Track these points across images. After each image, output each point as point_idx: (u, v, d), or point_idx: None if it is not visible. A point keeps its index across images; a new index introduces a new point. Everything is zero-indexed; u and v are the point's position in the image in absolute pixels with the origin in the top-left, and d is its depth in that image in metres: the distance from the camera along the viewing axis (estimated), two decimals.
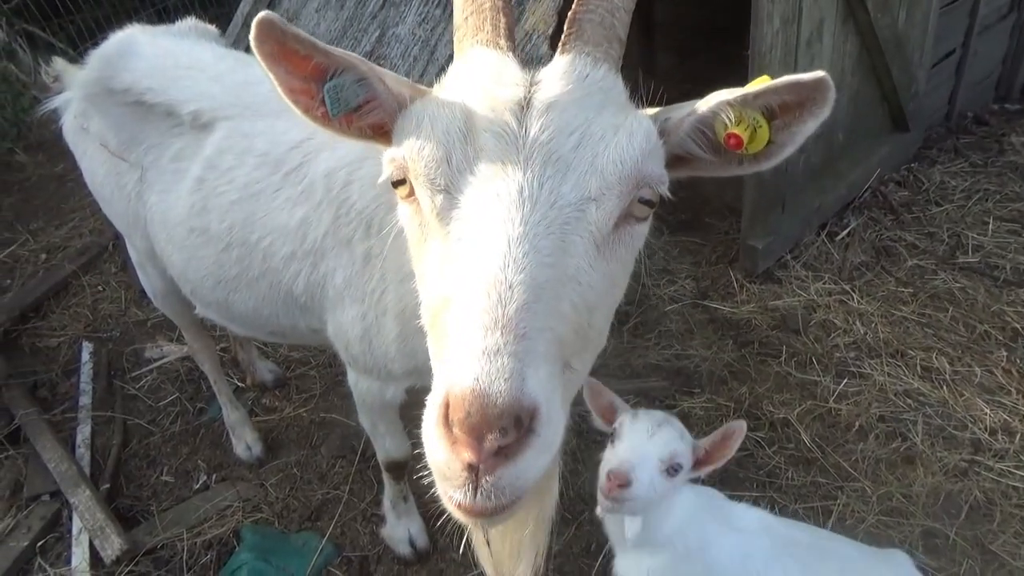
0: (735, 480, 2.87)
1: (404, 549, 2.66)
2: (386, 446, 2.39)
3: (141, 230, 2.33)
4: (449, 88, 1.17)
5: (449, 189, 1.09)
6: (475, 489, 0.94)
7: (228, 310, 2.19)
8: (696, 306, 3.79)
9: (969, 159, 4.69)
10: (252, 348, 3.36)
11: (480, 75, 1.15)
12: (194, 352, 3.02)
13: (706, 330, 3.64)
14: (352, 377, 2.18)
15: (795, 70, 3.51)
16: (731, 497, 2.73)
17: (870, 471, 2.88)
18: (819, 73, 1.10)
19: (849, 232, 4.12)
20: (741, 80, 1.31)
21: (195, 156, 2.08)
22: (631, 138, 1.10)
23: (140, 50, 2.26)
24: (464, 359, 0.94)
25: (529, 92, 1.11)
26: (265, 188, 1.95)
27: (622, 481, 1.69)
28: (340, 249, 1.88)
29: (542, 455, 0.96)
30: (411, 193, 1.16)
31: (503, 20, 1.19)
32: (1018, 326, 3.47)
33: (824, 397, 3.21)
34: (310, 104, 1.21)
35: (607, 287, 1.16)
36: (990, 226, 4.10)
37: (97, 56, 2.29)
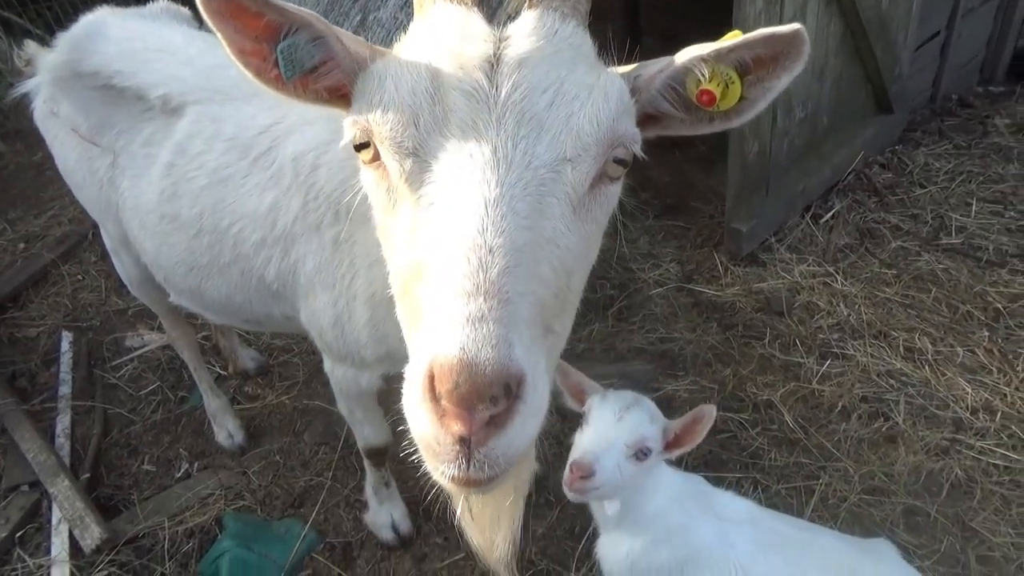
0: (718, 461, 2.87)
1: (387, 535, 2.65)
2: (365, 433, 2.38)
3: (113, 216, 2.29)
4: (411, 47, 1.12)
5: (418, 152, 1.05)
6: (468, 460, 0.92)
7: (201, 297, 2.17)
8: (681, 289, 3.78)
9: (953, 141, 4.69)
10: (234, 336, 3.34)
11: (444, 32, 1.10)
12: (173, 340, 2.99)
13: (690, 313, 3.63)
14: (328, 364, 2.17)
15: None
16: (715, 478, 2.74)
17: (852, 451, 2.89)
18: (795, 25, 1.08)
19: (833, 214, 4.12)
20: None
21: (165, 141, 2.04)
22: (607, 98, 1.08)
23: (109, 32, 2.21)
24: (447, 327, 0.91)
25: (498, 48, 1.07)
26: (234, 173, 1.92)
27: (584, 472, 1.68)
28: (310, 235, 1.85)
29: (531, 421, 0.94)
30: (375, 157, 1.11)
31: None
32: (1000, 306, 3.48)
33: (807, 378, 3.21)
34: (262, 66, 1.14)
35: (583, 249, 1.14)
36: (973, 207, 4.11)
37: (65, 39, 2.24)
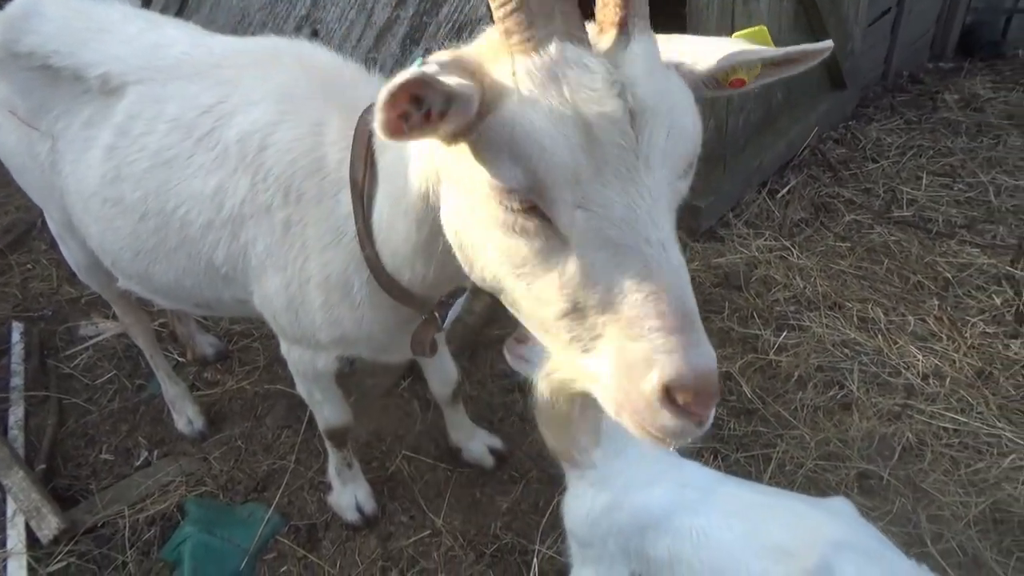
0: None
1: (351, 515, 2.65)
2: (325, 414, 2.37)
3: (57, 201, 2.23)
4: (534, 90, 1.06)
5: (583, 204, 1.06)
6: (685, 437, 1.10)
7: (150, 282, 2.13)
8: None
9: (904, 116, 4.79)
10: (191, 322, 3.29)
11: (571, 76, 1.06)
12: (127, 327, 2.93)
13: None
14: (284, 347, 2.15)
15: (732, 28, 3.53)
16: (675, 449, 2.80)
17: (808, 419, 2.96)
18: (828, 43, 1.22)
19: (789, 190, 4.19)
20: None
21: (105, 123, 1.99)
22: (696, 119, 1.15)
23: (46, 11, 2.14)
24: (679, 356, 1.05)
25: (626, 94, 1.06)
26: (178, 155, 1.88)
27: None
28: (259, 217, 1.83)
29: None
30: (530, 208, 1.10)
31: (570, 6, 1.09)
32: (949, 275, 3.58)
33: (765, 350, 3.27)
34: (397, 124, 1.05)
35: None
36: (923, 180, 4.21)
37: (0, 19, 2.17)
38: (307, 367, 2.13)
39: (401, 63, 3.38)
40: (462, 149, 1.15)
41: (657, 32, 1.19)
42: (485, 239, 1.20)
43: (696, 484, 1.93)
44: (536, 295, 1.17)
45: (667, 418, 1.06)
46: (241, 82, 1.88)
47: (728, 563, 1.80)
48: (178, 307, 2.37)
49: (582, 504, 1.97)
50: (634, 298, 1.07)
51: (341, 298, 1.85)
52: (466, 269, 1.32)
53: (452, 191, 1.27)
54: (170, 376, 3.01)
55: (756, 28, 1.28)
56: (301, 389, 2.30)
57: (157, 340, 3.38)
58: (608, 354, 1.12)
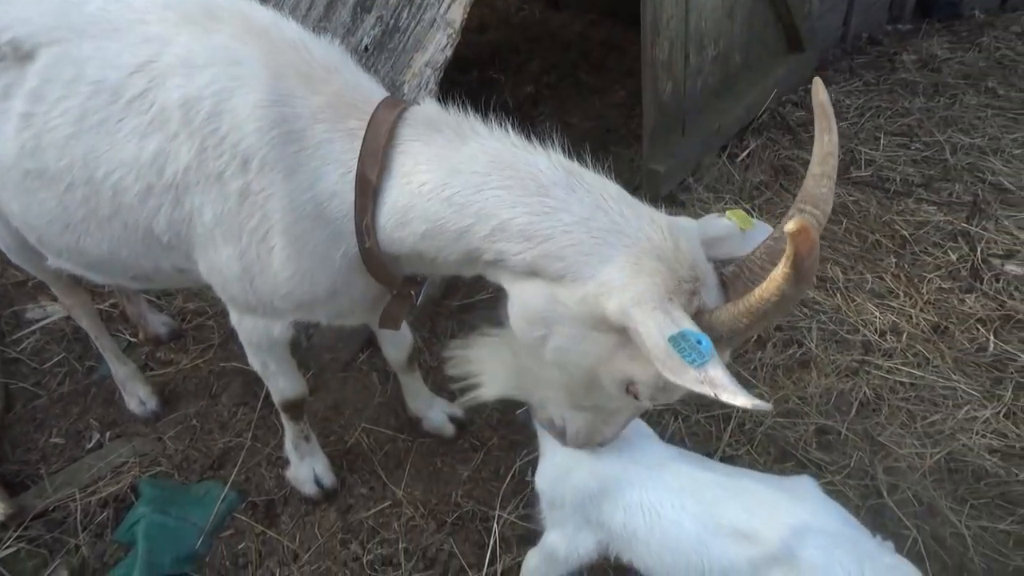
0: None
1: (310, 489, 2.61)
2: (280, 385, 2.32)
3: None
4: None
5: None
6: None
7: (82, 256, 2.04)
8: None
9: (863, 78, 4.79)
10: (141, 301, 3.20)
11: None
12: (69, 309, 2.84)
13: None
14: (235, 317, 2.09)
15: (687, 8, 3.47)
16: None
17: (768, 377, 2.96)
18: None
19: (749, 153, 4.18)
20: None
21: (18, 91, 1.87)
22: None
23: None
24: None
25: None
26: (106, 119, 1.79)
27: None
28: (207, 184, 1.76)
29: None
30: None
31: None
32: (906, 233, 3.60)
33: None
34: None
35: None
36: (881, 141, 4.22)
37: None
38: (261, 336, 2.07)
39: (352, 32, 3.29)
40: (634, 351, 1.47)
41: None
42: (590, 373, 1.62)
43: (645, 460, 1.90)
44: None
45: None
46: (174, 40, 1.79)
47: (684, 543, 1.78)
48: (113, 282, 2.29)
49: (547, 463, 1.97)
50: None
51: (315, 269, 1.80)
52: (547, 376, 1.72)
53: (583, 334, 1.56)
54: (118, 356, 2.93)
55: (739, 214, 1.66)
56: (254, 361, 2.25)
57: (107, 321, 3.32)
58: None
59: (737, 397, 1.28)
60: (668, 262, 1.47)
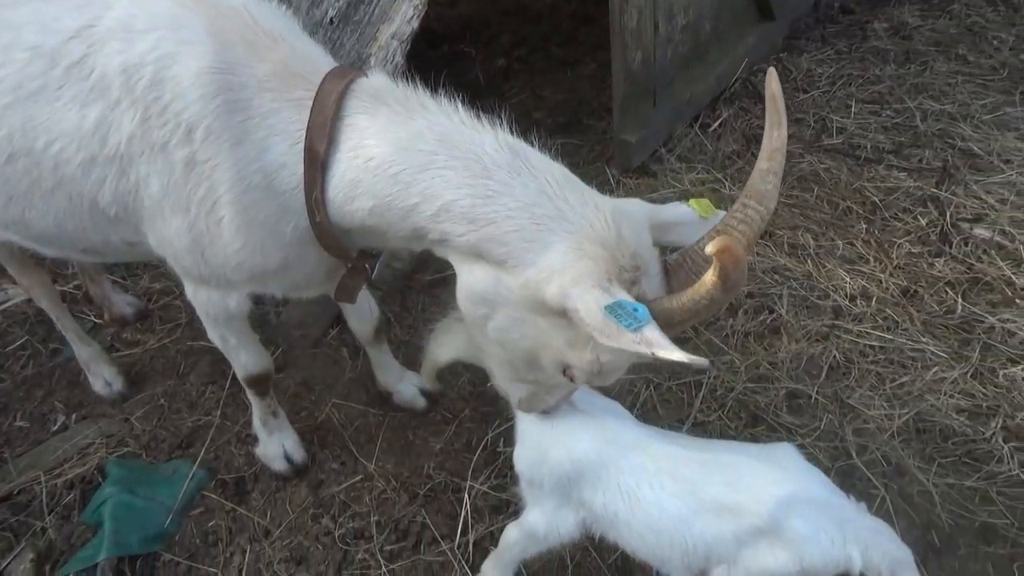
0: None
1: (280, 465, 2.59)
2: (242, 360, 2.28)
3: None
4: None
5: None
6: None
7: (28, 229, 1.98)
8: None
9: (835, 47, 4.78)
10: (104, 281, 3.14)
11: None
12: (26, 289, 2.78)
13: None
14: (190, 289, 2.05)
15: None
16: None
17: (739, 344, 2.97)
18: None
19: (721, 123, 4.16)
20: None
21: None
22: None
23: None
24: None
25: None
26: (44, 86, 1.73)
27: None
28: (152, 154, 1.71)
29: None
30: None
31: None
32: (876, 200, 3.61)
33: None
34: None
35: None
36: (853, 109, 4.22)
37: None
38: (217, 309, 2.04)
39: (316, 3, 3.22)
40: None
41: None
42: (531, 354, 1.65)
43: (621, 441, 1.88)
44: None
45: None
46: (114, 4, 1.74)
47: (666, 523, 1.78)
48: (64, 255, 2.23)
49: (525, 445, 1.95)
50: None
51: (266, 241, 1.78)
52: (484, 344, 1.74)
53: (524, 317, 1.59)
54: (81, 337, 2.87)
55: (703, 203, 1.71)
56: (213, 335, 2.21)
57: (71, 303, 3.27)
58: None
59: (674, 353, 1.32)
60: (610, 249, 1.49)
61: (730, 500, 1.72)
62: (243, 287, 1.95)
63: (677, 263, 1.59)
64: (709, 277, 1.31)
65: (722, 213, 1.72)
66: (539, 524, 1.97)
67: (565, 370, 1.62)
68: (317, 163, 1.62)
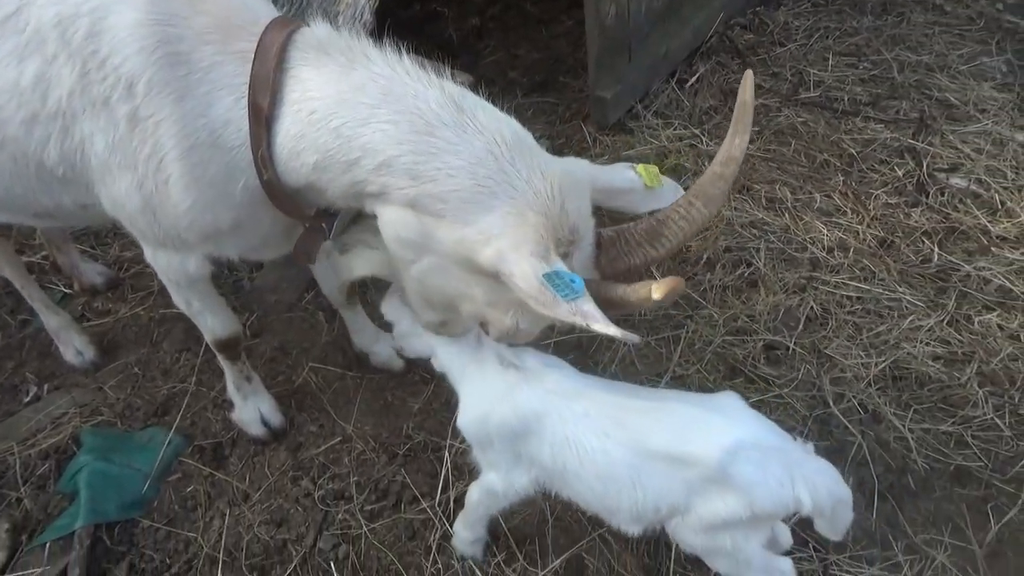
0: None
1: (257, 430, 2.57)
2: (208, 324, 2.24)
3: None
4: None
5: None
6: None
7: None
8: None
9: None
10: (72, 250, 3.07)
11: None
12: None
13: None
14: (148, 253, 2.00)
15: None
16: (587, 338, 2.77)
17: (717, 298, 2.96)
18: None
19: (698, 78, 4.11)
20: None
21: None
22: None
23: None
24: None
25: None
26: None
27: None
28: (95, 111, 1.66)
29: None
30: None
31: None
32: (854, 151, 3.60)
33: None
34: None
35: None
36: (830, 61, 4.18)
37: None
38: (177, 272, 1.99)
39: None
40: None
41: None
42: (450, 300, 1.66)
43: (562, 390, 1.87)
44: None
45: None
46: None
47: (615, 470, 1.77)
48: (17, 220, 2.16)
49: (466, 405, 1.93)
50: None
51: (216, 200, 1.73)
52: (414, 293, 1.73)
53: (451, 270, 1.57)
54: (48, 307, 2.82)
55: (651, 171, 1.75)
56: (177, 300, 2.17)
57: (40, 273, 3.21)
58: None
59: (609, 328, 1.33)
60: (552, 219, 1.47)
61: (677, 449, 1.71)
62: (199, 248, 1.90)
63: (611, 240, 1.58)
64: (650, 292, 1.35)
65: (669, 184, 1.74)
66: (496, 484, 1.97)
67: (481, 323, 1.63)
68: (262, 118, 1.58)
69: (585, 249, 1.54)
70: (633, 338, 1.33)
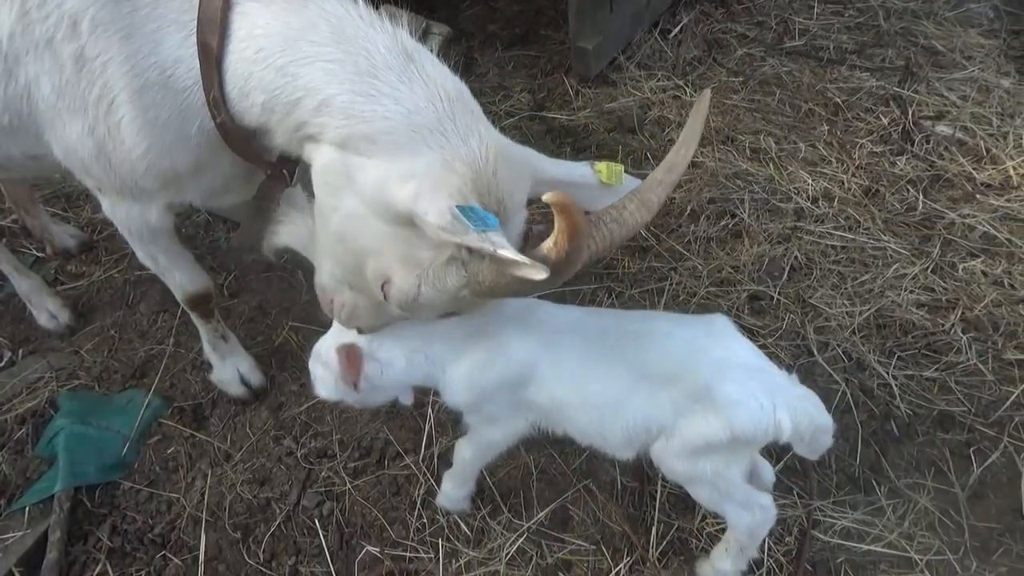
0: (573, 278, 2.85)
1: (237, 389, 2.53)
2: (177, 280, 2.18)
3: None
4: None
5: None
6: None
7: None
8: (533, 118, 3.65)
9: None
10: (40, 212, 2.99)
11: None
12: None
13: (543, 140, 3.52)
14: (107, 205, 1.93)
15: None
16: (570, 291, 2.74)
17: (701, 250, 2.93)
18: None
19: (681, 28, 4.03)
20: None
21: None
22: None
23: None
24: None
25: None
26: None
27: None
28: (39, 52, 1.58)
29: None
30: None
31: None
32: (839, 100, 3.55)
33: None
34: None
35: None
36: (815, 9, 4.12)
37: None
38: (139, 224, 1.93)
39: None
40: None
41: None
42: (360, 257, 1.56)
43: (553, 325, 1.84)
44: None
45: None
46: None
47: (612, 397, 1.76)
48: None
49: (455, 377, 1.85)
50: None
51: (173, 144, 1.67)
52: (328, 236, 1.60)
53: (367, 215, 1.48)
54: (18, 269, 2.75)
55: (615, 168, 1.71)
56: (143, 257, 2.10)
57: (10, 237, 3.13)
58: None
59: (518, 256, 1.27)
60: (482, 180, 1.41)
61: (665, 368, 1.71)
62: (160, 196, 1.84)
63: (539, 236, 1.49)
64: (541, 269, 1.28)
65: (630, 182, 1.65)
66: (495, 435, 1.96)
67: (383, 284, 1.54)
68: (212, 58, 1.51)
69: (511, 233, 1.47)
70: (541, 270, 1.26)
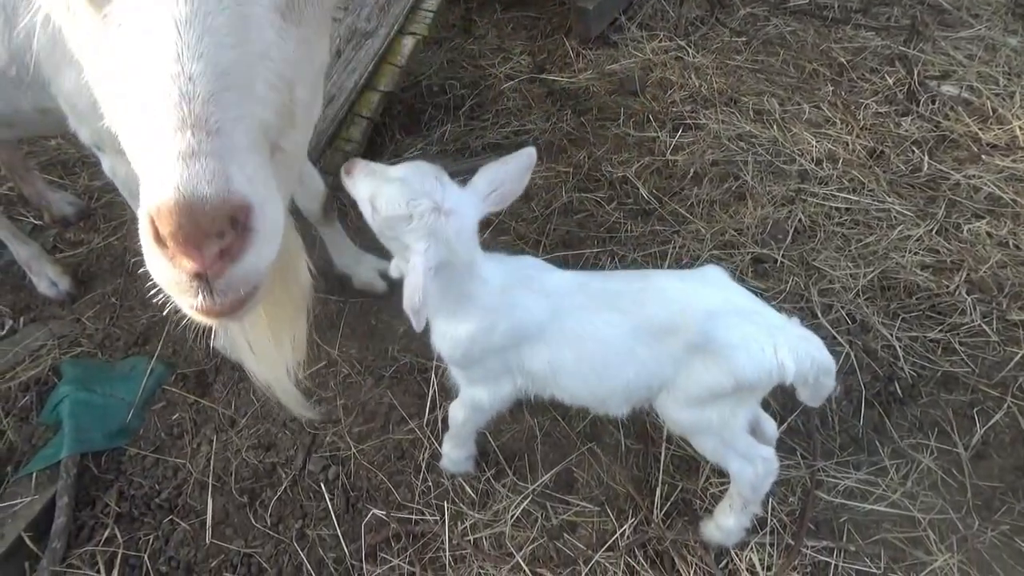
0: (576, 240, 2.84)
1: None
2: None
3: None
4: None
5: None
6: (210, 292, 0.96)
7: None
8: (533, 81, 3.60)
9: None
10: (36, 180, 2.96)
11: None
12: None
13: (544, 103, 3.48)
14: (107, 164, 1.89)
15: None
16: (573, 256, 2.73)
17: (704, 213, 2.91)
18: None
19: None
20: None
21: None
22: None
23: None
24: (160, 169, 0.88)
25: None
26: None
27: None
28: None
29: (266, 248, 0.97)
30: None
31: None
32: (844, 61, 3.50)
33: (661, 151, 3.17)
34: None
35: (304, 55, 1.05)
36: None
37: None
38: (138, 183, 1.89)
39: None
40: None
41: None
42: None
43: (559, 289, 1.82)
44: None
45: (156, 263, 0.95)
46: None
47: (613, 356, 1.76)
48: None
49: (450, 333, 1.84)
50: (140, 95, 0.93)
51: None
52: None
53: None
54: (16, 236, 2.72)
55: None
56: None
57: (7, 205, 3.10)
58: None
59: None
60: None
61: (664, 320, 1.70)
62: None
63: None
64: None
65: None
66: (483, 397, 1.96)
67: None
68: None
69: None
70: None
